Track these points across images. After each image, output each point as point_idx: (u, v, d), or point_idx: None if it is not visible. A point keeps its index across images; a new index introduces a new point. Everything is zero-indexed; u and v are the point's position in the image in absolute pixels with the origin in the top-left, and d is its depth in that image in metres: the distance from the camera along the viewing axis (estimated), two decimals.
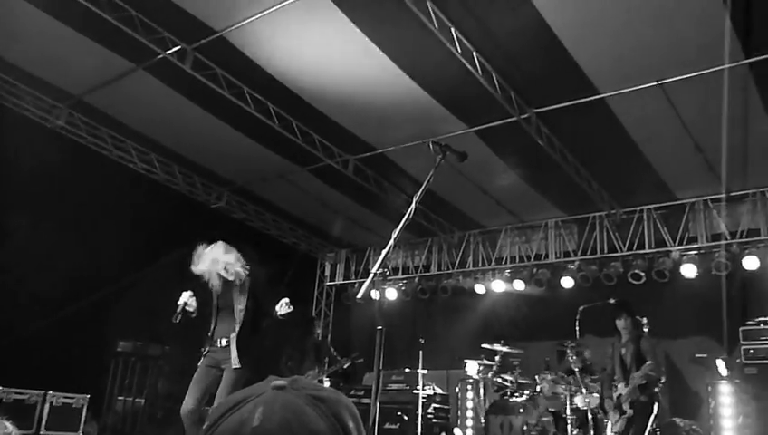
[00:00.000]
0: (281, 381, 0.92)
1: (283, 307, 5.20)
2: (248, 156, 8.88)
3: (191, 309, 5.26)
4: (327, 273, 12.92)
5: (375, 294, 2.79)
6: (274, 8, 5.92)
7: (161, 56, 6.71)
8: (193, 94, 7.50)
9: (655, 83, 6.44)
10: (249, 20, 6.15)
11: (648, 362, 6.61)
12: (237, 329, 5.19)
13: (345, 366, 8.19)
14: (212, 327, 5.33)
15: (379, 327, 2.56)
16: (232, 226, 10.39)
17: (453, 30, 6.00)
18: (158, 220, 8.60)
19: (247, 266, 5.48)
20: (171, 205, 9.54)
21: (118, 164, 8.91)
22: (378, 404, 2.83)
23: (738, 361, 7.20)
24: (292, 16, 6.04)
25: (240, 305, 5.28)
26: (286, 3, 5.83)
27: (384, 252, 2.71)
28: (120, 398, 8.27)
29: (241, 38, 6.52)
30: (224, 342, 5.22)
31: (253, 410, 0.88)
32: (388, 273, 2.70)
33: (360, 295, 2.62)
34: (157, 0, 6.06)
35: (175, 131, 8.54)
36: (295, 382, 0.93)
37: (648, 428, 6.56)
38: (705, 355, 8.17)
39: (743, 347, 7.13)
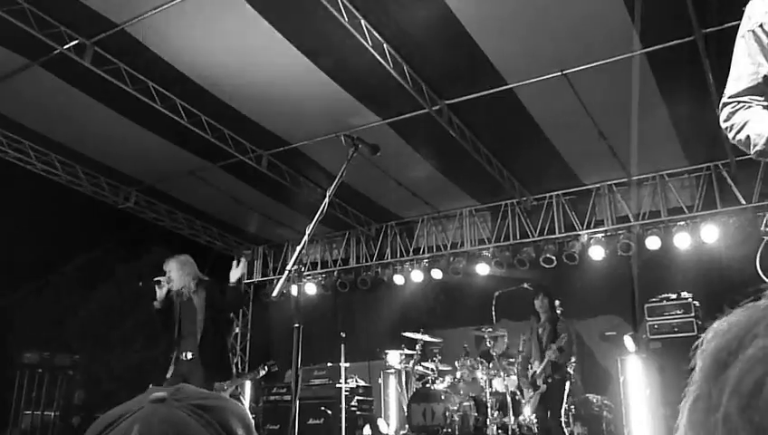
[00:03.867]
0: (160, 393, 0.86)
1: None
2: (156, 153, 8.58)
3: (161, 294, 5.46)
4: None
5: (293, 290, 2.74)
6: (178, 0, 5.73)
7: (58, 51, 6.36)
8: (94, 91, 7.16)
9: (559, 73, 6.65)
10: (152, 12, 5.91)
11: (562, 336, 6.88)
12: (199, 338, 5.34)
13: (260, 376, 7.99)
14: (176, 339, 5.46)
15: (296, 325, 2.53)
16: (142, 226, 10.03)
17: (363, 22, 5.99)
18: (61, 224, 8.18)
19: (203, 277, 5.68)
20: (76, 207, 9.09)
21: (15, 166, 8.39)
22: (299, 401, 2.79)
23: (644, 336, 7.56)
24: (197, 8, 5.86)
25: (200, 315, 5.42)
26: None
27: (298, 248, 2.67)
28: (27, 412, 7.84)
29: (144, 31, 6.27)
30: (189, 355, 5.31)
31: (129, 428, 0.82)
32: (303, 269, 2.66)
33: (274, 294, 2.58)
34: None
35: (76, 130, 8.13)
36: (177, 392, 0.87)
37: (564, 405, 6.83)
38: (613, 333, 8.55)
39: (648, 323, 7.49)
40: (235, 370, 7.94)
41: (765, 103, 1.89)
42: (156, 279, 5.50)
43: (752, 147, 1.86)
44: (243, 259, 5.59)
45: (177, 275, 5.57)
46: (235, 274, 5.46)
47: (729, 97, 1.96)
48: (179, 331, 5.50)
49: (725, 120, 1.96)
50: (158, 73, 6.92)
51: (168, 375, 5.37)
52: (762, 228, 1.95)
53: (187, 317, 5.50)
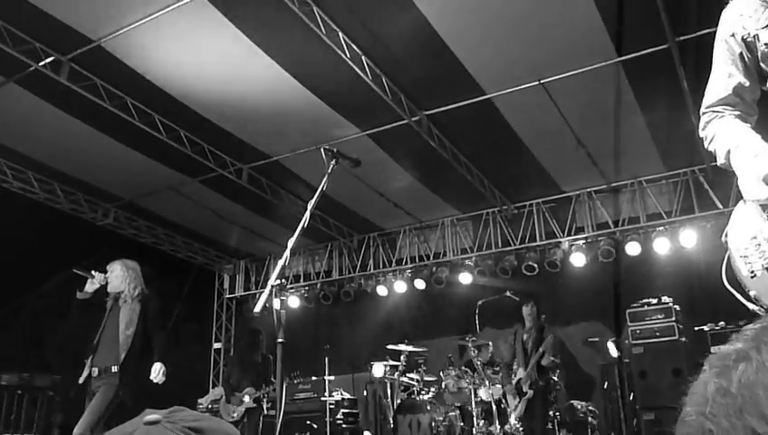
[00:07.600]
0: (153, 416, 0.86)
1: (159, 375, 5.12)
2: (135, 169, 8.51)
3: (90, 288, 5.16)
4: (226, 285, 12.59)
5: (277, 304, 2.73)
6: (155, 15, 5.71)
7: (33, 68, 6.29)
8: (71, 107, 7.10)
9: (537, 83, 6.71)
10: (128, 28, 5.89)
11: (549, 337, 6.91)
12: (123, 356, 5.03)
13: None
14: (92, 345, 5.15)
15: (280, 340, 2.50)
16: (122, 243, 9.92)
17: (341, 35, 6.00)
18: (39, 242, 8.07)
19: (145, 290, 5.37)
20: (54, 225, 8.98)
21: None
22: (285, 415, 2.77)
23: (626, 341, 7.61)
24: (174, 24, 5.84)
25: (129, 330, 5.10)
26: (166, 10, 5.63)
27: (281, 263, 2.65)
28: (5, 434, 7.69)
29: (121, 47, 6.24)
30: (114, 369, 5.03)
31: None
32: (285, 283, 2.65)
33: (257, 309, 2.55)
34: (25, 9, 5.67)
35: (53, 147, 8.04)
36: (172, 415, 0.87)
37: (549, 410, 6.85)
38: (596, 339, 8.59)
39: (630, 328, 7.54)
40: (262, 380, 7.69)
41: (737, 113, 1.93)
42: (92, 272, 5.21)
43: (717, 159, 1.91)
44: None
45: (117, 278, 5.28)
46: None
47: (706, 107, 1.99)
48: (99, 338, 5.15)
49: (702, 130, 2.00)
50: (136, 89, 6.88)
51: (80, 381, 5.09)
52: (722, 239, 1.96)
53: (112, 325, 5.17)
